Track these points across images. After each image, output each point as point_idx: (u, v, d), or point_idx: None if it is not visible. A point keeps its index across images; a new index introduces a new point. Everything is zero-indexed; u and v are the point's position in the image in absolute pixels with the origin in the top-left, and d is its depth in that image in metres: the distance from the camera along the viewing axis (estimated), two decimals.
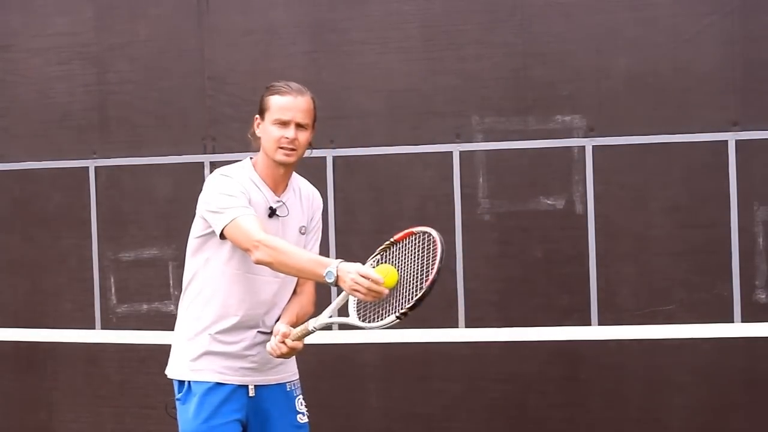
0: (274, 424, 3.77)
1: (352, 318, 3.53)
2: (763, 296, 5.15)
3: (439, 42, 5.46)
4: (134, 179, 5.87)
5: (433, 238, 3.47)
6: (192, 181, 5.74)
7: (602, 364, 5.32)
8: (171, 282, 5.81)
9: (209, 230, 3.69)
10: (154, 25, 5.85)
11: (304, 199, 3.85)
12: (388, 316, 3.43)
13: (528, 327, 5.27)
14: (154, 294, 5.84)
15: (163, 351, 5.78)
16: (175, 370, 3.78)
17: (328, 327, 3.65)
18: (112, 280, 5.91)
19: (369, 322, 3.49)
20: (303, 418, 3.83)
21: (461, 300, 5.38)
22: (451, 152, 5.43)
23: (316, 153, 5.48)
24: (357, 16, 5.56)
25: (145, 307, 5.86)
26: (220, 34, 5.74)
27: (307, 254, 3.63)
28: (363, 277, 3.41)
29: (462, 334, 5.34)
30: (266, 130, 3.68)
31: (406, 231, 3.59)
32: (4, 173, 6.07)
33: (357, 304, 3.55)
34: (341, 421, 5.49)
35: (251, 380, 3.74)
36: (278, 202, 3.74)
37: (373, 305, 3.50)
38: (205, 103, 5.74)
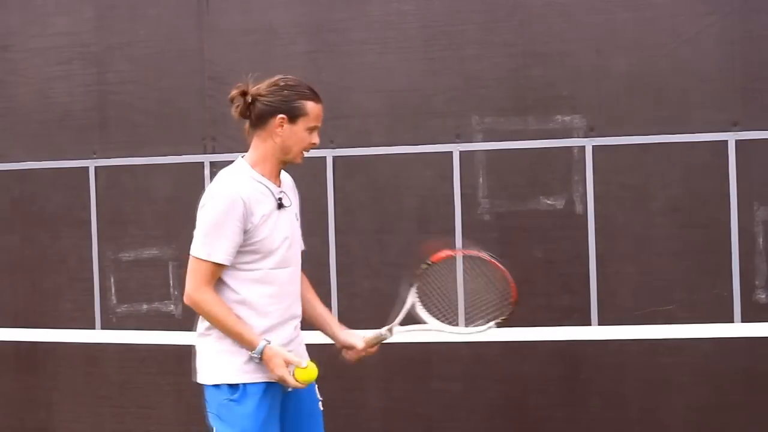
0: (302, 413, 3.90)
1: (433, 323, 3.99)
2: (763, 296, 5.15)
3: (439, 42, 5.46)
4: (134, 179, 5.88)
5: (491, 260, 3.94)
6: (192, 181, 5.74)
7: (602, 364, 5.32)
8: (171, 282, 5.81)
9: None
10: (154, 25, 5.85)
11: (290, 188, 3.94)
12: (481, 322, 3.96)
13: (528, 327, 5.26)
14: (154, 294, 5.84)
15: (163, 351, 5.81)
16: (224, 374, 3.77)
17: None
18: (112, 280, 5.91)
19: (454, 325, 3.98)
20: (321, 406, 3.97)
21: (461, 300, 5.37)
22: (451, 152, 5.43)
23: (317, 153, 5.50)
24: (357, 16, 5.56)
25: (145, 307, 5.86)
26: (220, 34, 5.74)
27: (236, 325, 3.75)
28: (281, 378, 3.72)
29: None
30: (296, 133, 3.78)
31: (445, 253, 3.97)
32: (4, 173, 6.07)
33: (426, 307, 3.96)
34: (341, 421, 5.49)
35: None
36: (281, 192, 3.82)
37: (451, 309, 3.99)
38: (205, 103, 5.74)
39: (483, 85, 5.41)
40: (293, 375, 3.72)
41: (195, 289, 3.70)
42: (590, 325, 5.26)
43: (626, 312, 5.26)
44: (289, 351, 3.79)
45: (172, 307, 5.81)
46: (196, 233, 3.72)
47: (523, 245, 5.33)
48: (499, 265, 3.90)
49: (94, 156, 5.93)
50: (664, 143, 5.21)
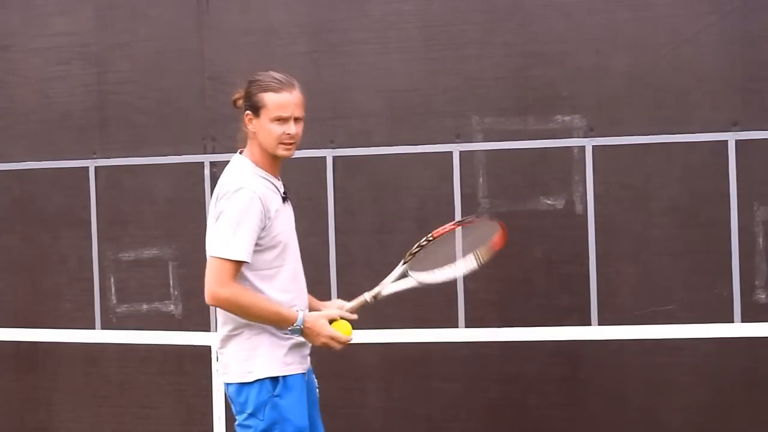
0: (311, 403, 3.97)
1: (418, 276, 3.98)
2: (763, 296, 5.15)
3: (439, 42, 5.46)
4: (134, 179, 5.87)
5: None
6: (192, 181, 5.74)
7: (602, 364, 5.32)
8: (171, 282, 5.81)
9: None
10: (154, 25, 5.85)
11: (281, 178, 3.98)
12: (465, 257, 4.00)
13: (528, 327, 5.26)
14: (154, 294, 5.84)
15: (163, 351, 5.81)
16: (266, 369, 3.79)
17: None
18: (112, 280, 5.91)
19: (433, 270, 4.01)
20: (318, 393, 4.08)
21: (461, 300, 5.38)
22: (451, 152, 5.43)
23: (316, 153, 5.50)
24: (357, 16, 5.56)
25: (145, 307, 5.86)
26: (220, 34, 5.74)
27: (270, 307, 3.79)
28: (332, 338, 3.82)
29: (462, 334, 5.34)
30: (264, 128, 3.77)
31: (444, 228, 4.02)
32: (4, 173, 6.07)
33: (412, 267, 3.98)
34: (341, 421, 5.49)
35: (308, 365, 3.94)
36: (282, 185, 3.88)
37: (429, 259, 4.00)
38: (205, 103, 5.74)
39: (483, 85, 5.41)
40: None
41: (220, 285, 3.68)
42: (590, 325, 5.26)
43: (626, 312, 5.26)
44: (304, 342, 3.87)
45: (172, 307, 5.81)
46: (217, 234, 3.72)
47: (523, 245, 5.32)
48: (498, 222, 4.03)
49: (94, 156, 5.93)
50: (664, 143, 5.21)
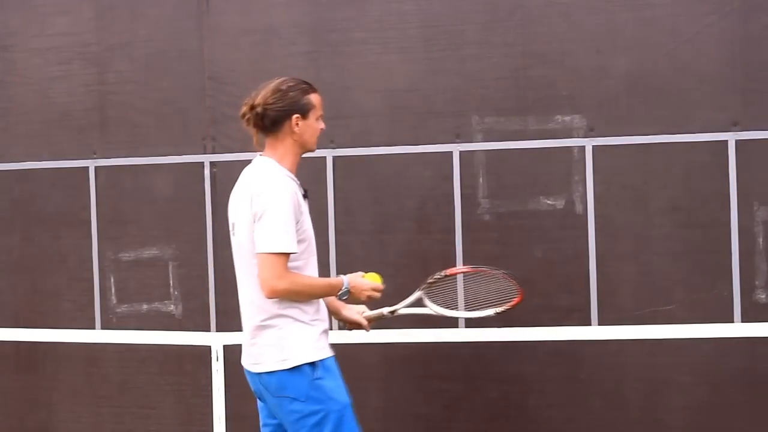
0: None
1: (435, 308, 4.47)
2: (763, 296, 5.15)
3: (439, 42, 5.46)
4: (134, 179, 5.88)
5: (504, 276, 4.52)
6: (192, 181, 5.74)
7: (602, 364, 5.32)
8: (171, 282, 5.81)
9: None
10: (154, 25, 5.85)
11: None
12: (484, 309, 4.51)
13: (528, 327, 5.27)
14: (154, 294, 5.84)
15: (163, 351, 5.81)
16: (302, 356, 4.04)
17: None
18: (112, 280, 5.91)
19: (453, 309, 4.53)
20: None
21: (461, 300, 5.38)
22: (451, 152, 5.43)
23: (317, 153, 5.50)
24: (357, 16, 5.56)
25: (145, 307, 5.86)
26: (220, 34, 5.74)
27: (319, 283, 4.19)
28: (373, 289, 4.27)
29: (462, 334, 5.34)
30: (312, 126, 4.19)
31: (460, 269, 4.59)
32: (4, 173, 6.07)
33: (431, 297, 4.44)
34: None
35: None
36: (301, 185, 4.16)
37: (450, 296, 4.47)
38: (205, 103, 5.74)
39: (483, 85, 5.41)
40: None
41: (279, 278, 3.96)
42: (590, 325, 5.26)
43: (626, 312, 5.26)
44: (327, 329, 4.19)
45: (172, 307, 5.81)
46: (267, 231, 3.96)
47: (523, 245, 5.33)
48: (511, 278, 4.48)
49: (94, 156, 5.93)
50: (664, 143, 5.21)
